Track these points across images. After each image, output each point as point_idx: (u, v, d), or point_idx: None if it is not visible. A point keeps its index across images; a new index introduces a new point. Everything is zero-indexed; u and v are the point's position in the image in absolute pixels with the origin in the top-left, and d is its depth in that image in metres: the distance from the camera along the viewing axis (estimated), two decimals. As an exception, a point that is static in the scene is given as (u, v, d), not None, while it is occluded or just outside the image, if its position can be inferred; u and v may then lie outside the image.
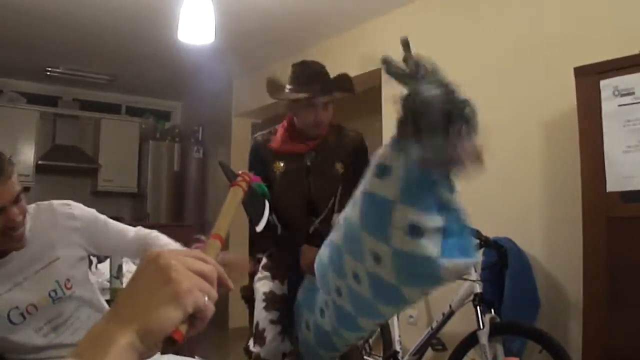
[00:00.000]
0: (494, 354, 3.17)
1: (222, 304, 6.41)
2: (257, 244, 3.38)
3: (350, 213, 2.06)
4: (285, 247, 3.06)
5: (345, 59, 5.50)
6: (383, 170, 1.86)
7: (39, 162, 7.96)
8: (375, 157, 1.91)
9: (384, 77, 1.74)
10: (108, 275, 3.27)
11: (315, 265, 2.41)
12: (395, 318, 4.04)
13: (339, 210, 2.74)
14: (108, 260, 3.30)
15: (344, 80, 3.03)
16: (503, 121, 4.03)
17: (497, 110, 4.05)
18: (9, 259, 2.02)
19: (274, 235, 3.02)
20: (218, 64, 6.65)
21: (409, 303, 2.07)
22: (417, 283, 1.94)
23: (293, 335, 2.88)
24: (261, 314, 2.95)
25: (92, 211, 2.31)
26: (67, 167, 8.29)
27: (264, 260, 3.16)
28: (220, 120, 8.04)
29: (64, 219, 2.18)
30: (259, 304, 2.99)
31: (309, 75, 2.99)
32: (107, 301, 3.74)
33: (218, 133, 8.13)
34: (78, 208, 2.23)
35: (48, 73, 7.63)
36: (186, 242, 5.46)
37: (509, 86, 4.06)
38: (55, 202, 2.20)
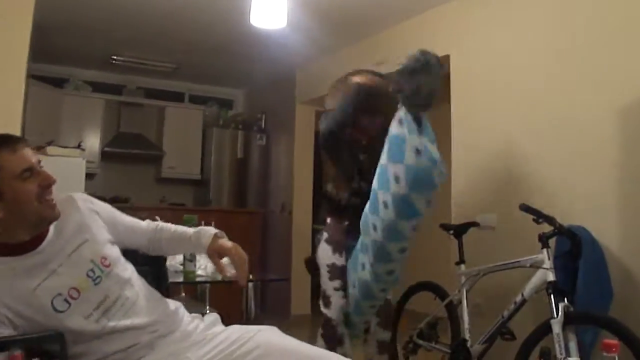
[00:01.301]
0: (567, 343, 3.09)
1: (285, 292, 6.41)
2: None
3: (382, 159, 3.18)
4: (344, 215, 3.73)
5: (411, 46, 5.43)
6: (400, 121, 3.08)
7: (104, 149, 8.13)
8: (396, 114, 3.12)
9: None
10: (181, 258, 3.28)
11: (361, 220, 3.37)
12: (464, 305, 3.99)
13: None
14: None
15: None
16: (577, 104, 3.94)
17: (572, 94, 3.97)
18: (41, 249, 1.99)
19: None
20: (282, 51, 6.64)
21: (420, 214, 3.17)
22: (421, 190, 3.07)
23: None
24: (327, 283, 3.67)
25: (108, 205, 2.34)
26: (132, 154, 8.43)
27: (325, 235, 3.78)
28: (283, 108, 8.04)
29: (84, 204, 2.18)
30: (324, 274, 3.69)
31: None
32: (179, 283, 3.84)
33: (281, 120, 8.14)
34: (95, 199, 2.26)
35: (113, 61, 7.72)
36: (251, 226, 5.50)
37: (586, 68, 3.93)
38: (74, 193, 2.20)
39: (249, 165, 8.59)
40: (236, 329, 2.19)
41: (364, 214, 3.36)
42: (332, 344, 3.58)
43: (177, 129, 8.65)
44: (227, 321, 2.30)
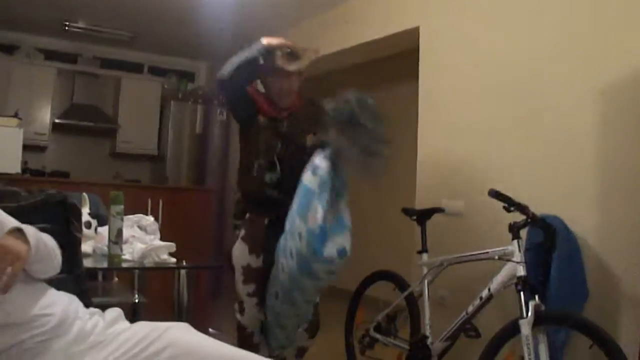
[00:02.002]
0: (537, 345, 2.80)
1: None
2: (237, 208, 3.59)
3: (293, 203, 2.97)
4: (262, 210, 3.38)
5: (379, 17, 5.14)
6: (314, 169, 2.87)
7: (56, 120, 7.72)
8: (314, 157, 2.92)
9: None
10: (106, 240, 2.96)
11: (288, 217, 3.00)
12: (426, 298, 3.74)
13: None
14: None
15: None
16: (554, 86, 3.64)
17: (548, 75, 3.68)
18: None
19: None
20: (246, 22, 6.32)
21: (320, 279, 2.95)
22: (318, 260, 2.80)
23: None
24: (240, 287, 3.34)
25: None
26: (85, 127, 8.02)
27: (242, 232, 3.40)
28: (246, 82, 7.61)
29: None
30: (239, 277, 3.35)
31: None
32: (106, 269, 3.52)
33: (243, 95, 7.73)
34: None
35: (66, 28, 7.32)
36: (207, 205, 5.25)
37: (563, 47, 3.63)
38: None
39: (208, 141, 8.20)
40: (142, 327, 1.90)
41: (290, 212, 3.01)
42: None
43: (134, 101, 8.22)
44: (156, 310, 1.97)
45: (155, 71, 8.70)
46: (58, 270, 1.98)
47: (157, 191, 5.73)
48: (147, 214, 3.53)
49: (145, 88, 8.38)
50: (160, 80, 8.54)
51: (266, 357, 2.94)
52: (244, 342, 3.31)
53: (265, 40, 3.21)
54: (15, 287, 1.74)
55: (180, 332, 1.84)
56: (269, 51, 3.20)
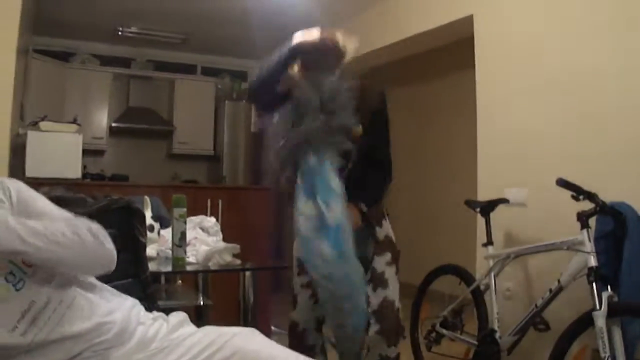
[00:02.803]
0: (612, 338, 2.71)
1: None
2: None
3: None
4: None
5: (433, 8, 5.07)
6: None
7: (113, 124, 7.84)
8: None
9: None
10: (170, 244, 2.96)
11: None
12: (493, 291, 3.65)
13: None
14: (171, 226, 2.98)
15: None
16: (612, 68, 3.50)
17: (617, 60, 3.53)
18: None
19: None
20: (295, 20, 6.26)
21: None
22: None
23: None
24: (295, 279, 3.05)
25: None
26: (142, 130, 8.13)
27: None
28: (298, 78, 7.60)
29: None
30: (295, 269, 3.07)
31: None
32: (171, 272, 3.47)
33: (297, 92, 7.71)
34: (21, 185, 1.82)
35: (120, 33, 7.43)
36: (265, 204, 5.09)
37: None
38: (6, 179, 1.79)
39: (264, 140, 8.12)
40: (208, 332, 1.82)
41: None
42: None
43: (188, 102, 8.28)
44: (221, 313, 1.90)
45: (208, 72, 8.75)
46: (108, 265, 1.83)
47: (215, 191, 5.68)
48: (207, 215, 3.52)
49: (199, 89, 8.43)
50: (213, 81, 8.58)
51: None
52: (295, 340, 2.99)
53: (298, 38, 2.70)
54: (72, 295, 1.72)
55: (247, 339, 1.78)
56: (303, 52, 2.70)
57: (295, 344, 2.93)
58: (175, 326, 1.89)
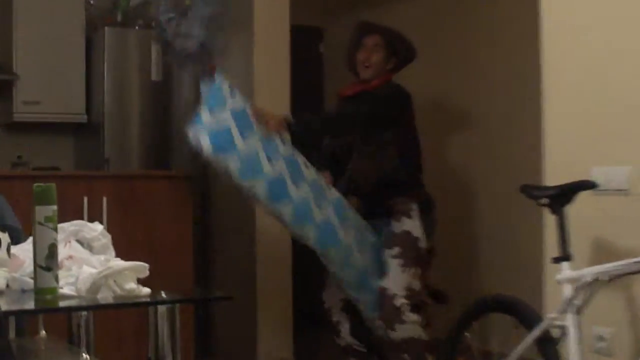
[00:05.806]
0: None
1: (247, 320, 4.92)
2: None
3: None
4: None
5: None
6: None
7: None
8: None
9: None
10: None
11: None
12: (573, 339, 2.69)
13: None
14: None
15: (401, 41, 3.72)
16: None
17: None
18: None
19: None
20: None
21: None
22: None
23: None
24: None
25: None
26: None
27: None
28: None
29: None
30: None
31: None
32: (33, 312, 3.10)
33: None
34: None
35: None
36: (173, 203, 4.68)
37: None
38: None
39: (173, 95, 5.90)
40: None
41: None
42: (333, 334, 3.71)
43: (38, 32, 5.84)
44: None
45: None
46: None
47: (94, 183, 4.49)
48: (84, 220, 2.77)
49: (58, 8, 5.90)
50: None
51: (347, 333, 3.57)
52: (324, 317, 3.69)
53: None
54: None
55: None
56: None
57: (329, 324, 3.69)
58: None
